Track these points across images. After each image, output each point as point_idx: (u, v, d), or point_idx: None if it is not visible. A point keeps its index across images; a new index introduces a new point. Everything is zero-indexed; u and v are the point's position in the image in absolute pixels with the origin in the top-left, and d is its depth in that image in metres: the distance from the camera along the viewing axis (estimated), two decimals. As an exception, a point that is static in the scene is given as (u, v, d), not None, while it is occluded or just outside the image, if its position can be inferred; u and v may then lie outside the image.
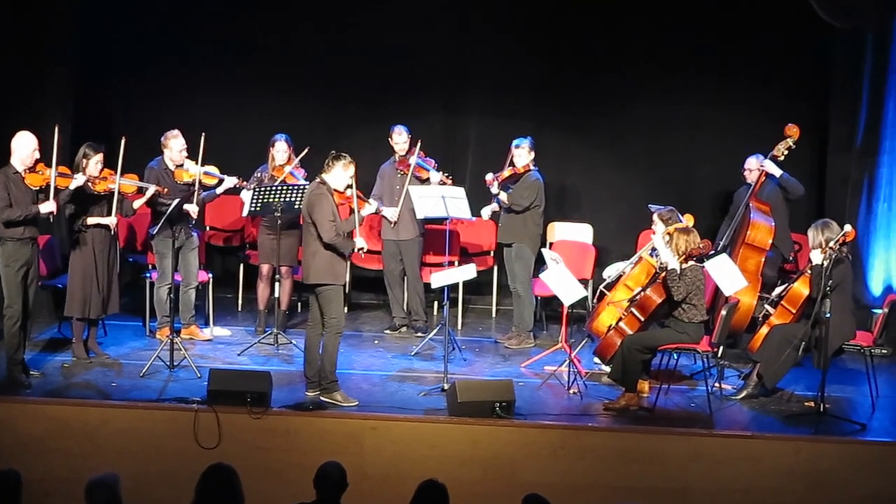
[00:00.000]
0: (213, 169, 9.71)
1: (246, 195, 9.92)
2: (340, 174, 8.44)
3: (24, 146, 8.55)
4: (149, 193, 9.24)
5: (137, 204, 9.28)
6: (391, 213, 10.12)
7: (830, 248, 8.39)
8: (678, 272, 8.35)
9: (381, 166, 10.48)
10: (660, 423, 8.24)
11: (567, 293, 8.98)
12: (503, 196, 9.96)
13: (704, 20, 11.11)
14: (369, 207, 9.01)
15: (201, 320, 10.10)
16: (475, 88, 11.56)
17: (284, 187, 9.50)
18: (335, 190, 8.44)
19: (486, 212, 10.28)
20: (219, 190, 9.79)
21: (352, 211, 8.61)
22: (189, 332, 9.80)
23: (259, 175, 10.01)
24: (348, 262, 8.79)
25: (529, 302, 10.10)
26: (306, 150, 9.84)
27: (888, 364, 9.86)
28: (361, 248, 8.52)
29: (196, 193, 9.49)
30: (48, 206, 8.51)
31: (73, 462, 7.75)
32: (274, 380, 8.19)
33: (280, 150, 9.98)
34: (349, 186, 8.55)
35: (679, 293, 8.32)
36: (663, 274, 8.47)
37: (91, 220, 8.90)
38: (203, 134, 9.31)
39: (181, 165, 9.62)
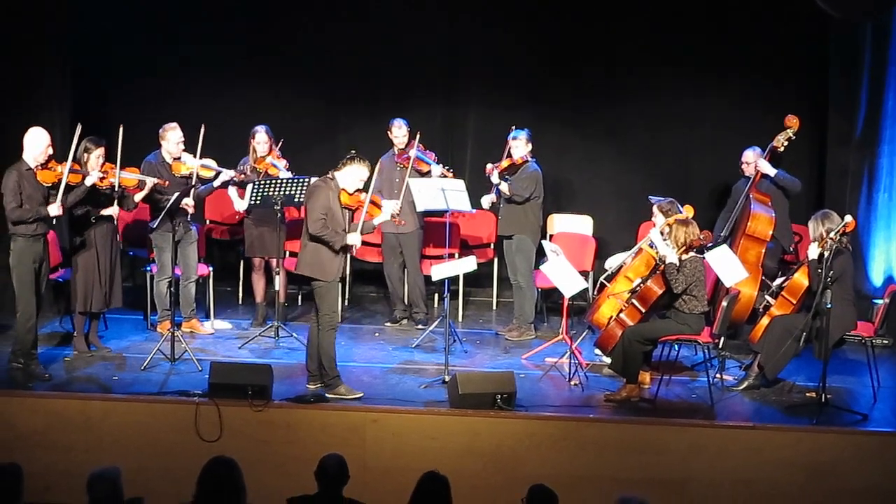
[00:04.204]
0: (210, 162, 9.69)
1: (232, 191, 9.95)
2: (351, 173, 8.33)
3: (37, 143, 8.49)
4: (148, 186, 9.21)
5: (138, 197, 9.25)
6: (392, 205, 9.98)
7: (831, 238, 8.38)
8: (676, 265, 8.34)
9: (381, 159, 10.45)
10: (661, 414, 8.24)
11: (568, 285, 8.99)
12: (504, 187, 9.95)
13: (703, 13, 11.08)
14: (382, 215, 8.66)
15: (202, 314, 10.10)
16: (474, 81, 11.53)
17: (286, 181, 9.47)
18: (342, 189, 8.38)
19: (485, 201, 10.23)
20: (216, 183, 9.76)
21: (367, 214, 8.46)
22: (190, 325, 9.80)
23: (241, 168, 9.98)
24: (343, 259, 8.66)
25: (531, 294, 10.09)
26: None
27: (889, 354, 9.85)
28: (353, 245, 8.45)
29: (193, 187, 9.48)
30: (55, 210, 8.47)
31: (75, 455, 7.77)
32: (275, 373, 8.21)
33: (261, 141, 9.95)
34: (361, 191, 8.47)
35: (678, 286, 8.31)
36: (663, 266, 8.47)
37: (104, 213, 8.90)
38: (202, 127, 9.27)
39: (178, 158, 9.61)
